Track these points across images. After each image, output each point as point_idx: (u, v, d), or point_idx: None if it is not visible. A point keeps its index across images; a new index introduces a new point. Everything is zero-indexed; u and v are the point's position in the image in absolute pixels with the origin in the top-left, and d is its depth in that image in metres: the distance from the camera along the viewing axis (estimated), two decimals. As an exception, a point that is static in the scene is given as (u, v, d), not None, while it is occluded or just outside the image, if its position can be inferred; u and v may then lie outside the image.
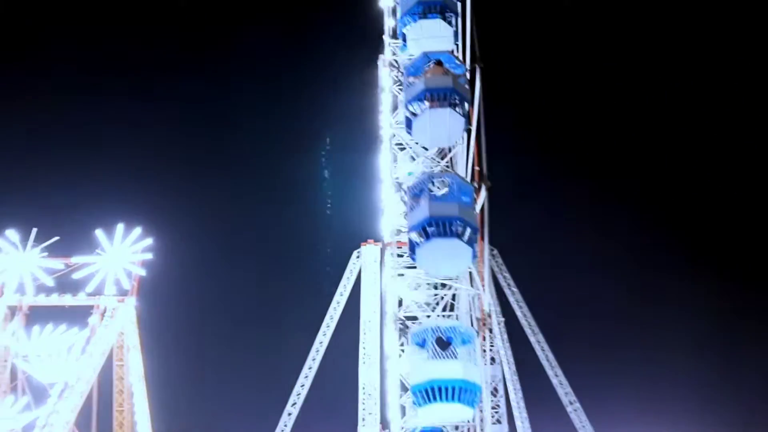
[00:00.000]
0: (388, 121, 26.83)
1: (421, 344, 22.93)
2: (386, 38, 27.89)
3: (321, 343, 28.80)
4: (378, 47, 28.62)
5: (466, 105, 24.65)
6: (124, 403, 30.56)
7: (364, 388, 27.42)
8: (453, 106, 24.06)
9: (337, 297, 29.49)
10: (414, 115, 24.14)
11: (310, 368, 28.23)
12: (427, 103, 23.73)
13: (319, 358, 28.59)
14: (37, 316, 30.21)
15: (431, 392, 21.24)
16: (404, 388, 24.83)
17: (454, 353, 22.14)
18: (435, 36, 25.78)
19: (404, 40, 26.79)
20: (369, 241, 28.96)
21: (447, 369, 21.41)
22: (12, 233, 30.67)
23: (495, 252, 29.46)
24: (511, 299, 30.08)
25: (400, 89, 26.76)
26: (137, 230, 31.44)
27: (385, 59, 27.91)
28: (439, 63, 25.09)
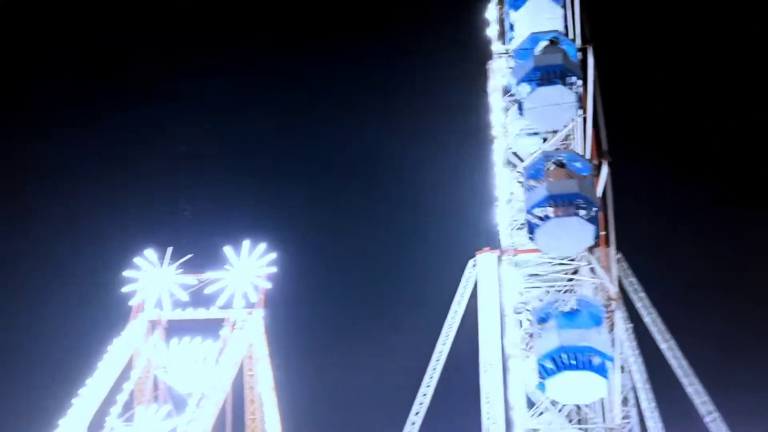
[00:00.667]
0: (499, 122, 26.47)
1: (545, 318, 22.33)
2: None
3: (440, 352, 28.76)
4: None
5: (579, 83, 24.32)
6: (256, 412, 31.89)
7: (487, 398, 27.08)
8: (565, 83, 23.91)
9: (454, 306, 29.36)
10: (525, 98, 24.22)
11: (431, 377, 28.24)
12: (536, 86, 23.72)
13: (439, 367, 28.54)
14: (174, 329, 32.18)
15: (559, 360, 20.42)
16: (530, 404, 24.46)
17: (582, 321, 21.36)
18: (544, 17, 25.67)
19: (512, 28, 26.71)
20: (485, 249, 28.65)
21: (576, 335, 20.58)
22: (150, 252, 33.02)
23: (620, 256, 28.25)
24: (638, 305, 28.66)
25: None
26: (262, 246, 32.93)
27: (496, 52, 27.36)
28: (553, 41, 24.86)
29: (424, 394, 28.28)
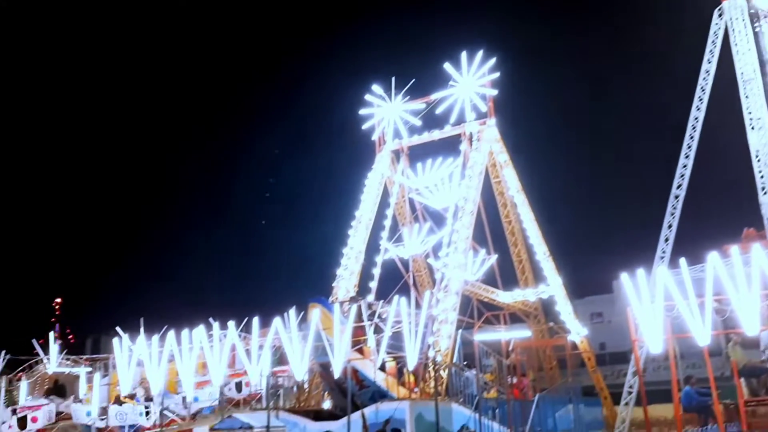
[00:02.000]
0: None
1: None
2: None
3: (696, 118, 26.70)
4: None
5: None
6: (510, 214, 32.87)
7: (757, 156, 24.95)
8: None
9: (704, 66, 26.67)
10: None
11: (689, 147, 26.57)
12: None
13: (696, 134, 26.67)
14: (416, 154, 33.62)
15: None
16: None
17: None
18: None
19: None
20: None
21: None
22: (377, 87, 34.15)
23: None
24: None
25: None
26: (479, 54, 32.24)
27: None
28: None
29: (684, 165, 26.84)
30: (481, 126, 31.95)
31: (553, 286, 32.59)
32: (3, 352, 27.37)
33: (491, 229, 32.16)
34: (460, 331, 25.01)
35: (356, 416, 17.19)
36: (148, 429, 21.77)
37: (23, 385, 28.45)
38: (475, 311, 29.82)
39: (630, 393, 26.12)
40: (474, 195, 29.76)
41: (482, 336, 28.10)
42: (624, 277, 14.91)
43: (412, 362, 18.86)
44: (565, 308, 32.79)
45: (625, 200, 71.46)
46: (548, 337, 33.27)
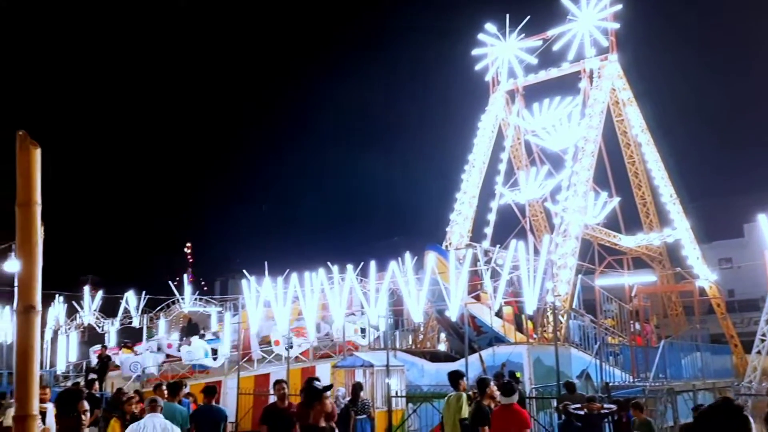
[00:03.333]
0: None
1: None
2: None
3: None
4: None
5: None
6: (633, 155, 31.29)
7: None
8: None
9: None
10: None
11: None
12: None
13: None
14: (531, 94, 32.44)
15: None
16: None
17: None
18: None
19: None
20: None
21: None
22: (490, 26, 33.00)
23: None
24: None
25: None
26: (600, -15, 30.31)
27: None
28: None
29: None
30: (602, 62, 30.28)
31: (680, 230, 30.93)
32: (143, 292, 29.71)
33: (613, 170, 30.82)
34: (579, 276, 24.37)
35: (473, 358, 17.27)
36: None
37: (161, 323, 30.86)
38: (596, 256, 28.93)
39: (763, 341, 24.61)
40: (595, 135, 28.50)
41: (604, 281, 27.27)
42: (762, 218, 13.83)
43: (530, 308, 18.62)
44: (692, 253, 31.12)
45: (761, 138, 66.00)
46: (674, 282, 31.80)
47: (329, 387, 5.81)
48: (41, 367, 27.04)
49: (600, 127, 29.02)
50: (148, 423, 7.24)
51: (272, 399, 11.34)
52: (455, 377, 10.27)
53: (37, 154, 3.14)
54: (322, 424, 5.47)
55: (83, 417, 4.81)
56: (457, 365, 16.83)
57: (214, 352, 25.01)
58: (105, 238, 74.11)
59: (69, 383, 18.01)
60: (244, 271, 23.94)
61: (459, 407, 9.75)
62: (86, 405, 4.89)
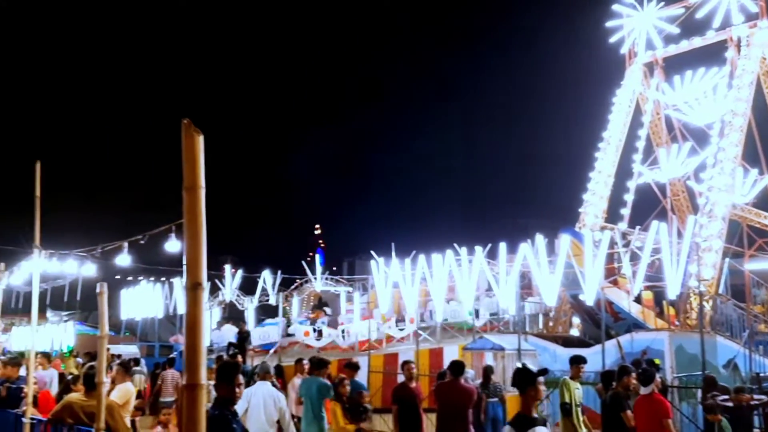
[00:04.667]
0: None
1: None
2: None
3: None
4: None
5: None
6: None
7: None
8: None
9: None
10: None
11: None
12: None
13: None
14: (672, 66, 30.49)
15: None
16: None
17: None
18: None
19: None
20: None
21: None
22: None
23: None
24: None
25: None
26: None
27: None
28: None
29: None
30: (752, 29, 27.90)
31: None
32: (279, 272, 31.11)
33: (764, 146, 28.35)
34: (726, 259, 22.75)
35: (610, 344, 16.64)
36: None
37: (295, 301, 32.21)
38: (745, 238, 26.84)
39: None
40: (744, 108, 26.41)
41: (754, 265, 25.30)
42: None
43: (672, 293, 17.62)
44: None
45: None
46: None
47: (544, 371, 5.28)
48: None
49: (749, 99, 26.87)
50: (258, 390, 8.81)
51: (400, 378, 11.55)
52: (570, 361, 10.50)
53: (200, 140, 3.29)
54: (534, 414, 5.02)
55: (237, 389, 5.09)
56: (592, 351, 16.33)
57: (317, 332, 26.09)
58: (243, 220, 78.29)
59: (213, 356, 19.33)
60: (372, 252, 24.42)
61: (561, 392, 9.84)
62: (241, 378, 5.16)
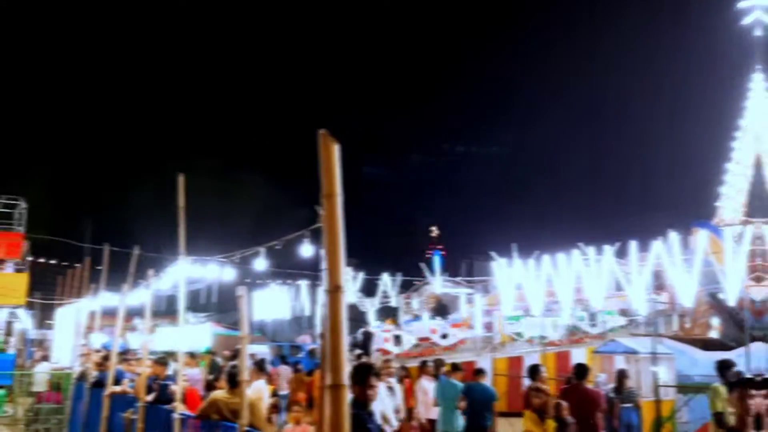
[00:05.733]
0: None
1: None
2: None
3: None
4: None
5: None
6: None
7: None
8: None
9: None
10: None
11: None
12: None
13: None
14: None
15: None
16: None
17: None
18: None
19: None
20: None
21: None
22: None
23: None
24: None
25: None
26: None
27: None
28: None
29: None
30: None
31: None
32: (399, 273, 31.45)
33: None
34: None
35: (757, 347, 15.45)
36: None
37: (414, 303, 32.38)
38: None
39: None
40: None
41: None
42: None
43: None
44: None
45: None
46: None
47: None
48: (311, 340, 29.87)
49: None
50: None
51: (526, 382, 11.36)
52: (718, 367, 9.70)
53: (336, 150, 3.42)
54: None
55: (370, 391, 5.19)
56: (734, 354, 15.24)
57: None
58: (363, 222, 79.65)
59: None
60: (492, 253, 24.10)
61: (713, 401, 9.17)
62: (374, 380, 5.26)
